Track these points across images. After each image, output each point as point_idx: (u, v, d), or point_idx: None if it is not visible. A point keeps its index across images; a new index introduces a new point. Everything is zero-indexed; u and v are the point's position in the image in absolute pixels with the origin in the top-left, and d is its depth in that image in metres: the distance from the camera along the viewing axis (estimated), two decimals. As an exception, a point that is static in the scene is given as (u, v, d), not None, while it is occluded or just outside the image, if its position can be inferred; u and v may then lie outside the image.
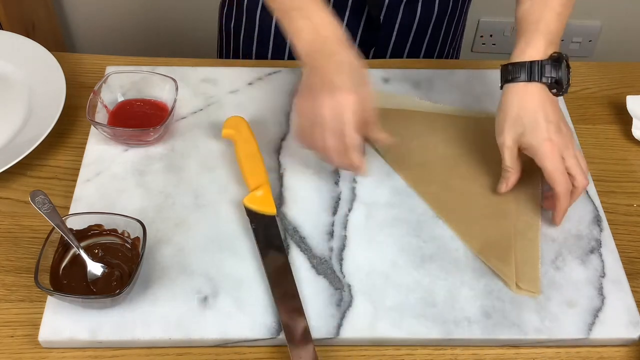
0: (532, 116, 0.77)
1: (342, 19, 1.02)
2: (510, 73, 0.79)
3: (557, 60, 0.78)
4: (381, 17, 1.02)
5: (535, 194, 0.83)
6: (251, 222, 0.79)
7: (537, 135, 0.76)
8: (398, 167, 0.86)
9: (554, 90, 0.79)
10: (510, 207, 0.82)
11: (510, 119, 0.78)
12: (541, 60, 0.78)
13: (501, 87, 0.81)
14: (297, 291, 0.74)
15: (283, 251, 0.77)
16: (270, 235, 0.78)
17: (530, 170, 0.82)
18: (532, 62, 0.78)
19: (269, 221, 0.79)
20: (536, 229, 0.80)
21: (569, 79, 0.79)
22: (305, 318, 0.72)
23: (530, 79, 0.78)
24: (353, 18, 1.02)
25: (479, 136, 0.88)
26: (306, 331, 0.71)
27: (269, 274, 0.75)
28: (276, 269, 0.75)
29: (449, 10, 1.06)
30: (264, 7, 1.03)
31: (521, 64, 0.78)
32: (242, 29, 1.08)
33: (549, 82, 0.78)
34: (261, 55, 1.09)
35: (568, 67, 0.79)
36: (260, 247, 0.77)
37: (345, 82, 0.74)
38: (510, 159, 0.79)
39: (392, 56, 1.07)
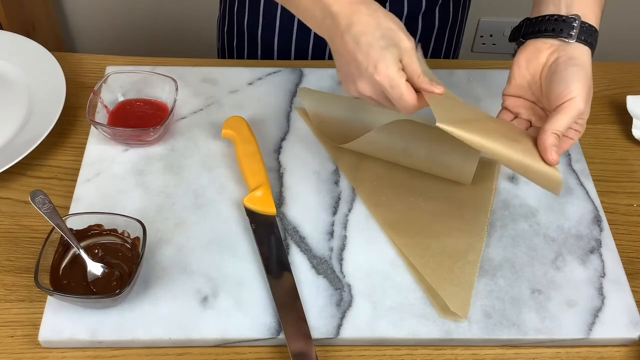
0: (589, 78, 0.72)
1: None
2: (592, 37, 0.72)
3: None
4: None
5: (483, 217, 0.81)
6: (251, 222, 0.79)
7: (585, 94, 0.71)
8: (352, 179, 0.85)
9: None
10: (456, 226, 0.80)
11: (590, 92, 0.72)
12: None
13: (569, 39, 0.72)
14: (297, 291, 0.74)
15: (283, 251, 0.77)
16: (270, 235, 0.78)
17: (482, 191, 0.82)
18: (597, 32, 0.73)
19: (269, 221, 0.79)
20: (478, 252, 0.78)
21: None
22: (305, 318, 0.72)
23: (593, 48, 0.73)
24: None
25: (441, 151, 0.83)
26: (306, 331, 0.71)
27: (269, 274, 0.75)
28: (276, 269, 0.75)
29: (450, 22, 1.07)
30: (265, 7, 1.04)
31: (596, 34, 0.73)
32: (244, 30, 1.09)
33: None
34: (264, 55, 1.09)
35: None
36: (260, 247, 0.77)
37: (377, 57, 0.68)
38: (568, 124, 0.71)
39: None
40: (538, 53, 0.73)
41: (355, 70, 0.69)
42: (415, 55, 0.69)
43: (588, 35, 0.72)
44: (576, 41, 0.72)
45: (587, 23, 0.72)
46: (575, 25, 0.71)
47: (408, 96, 0.68)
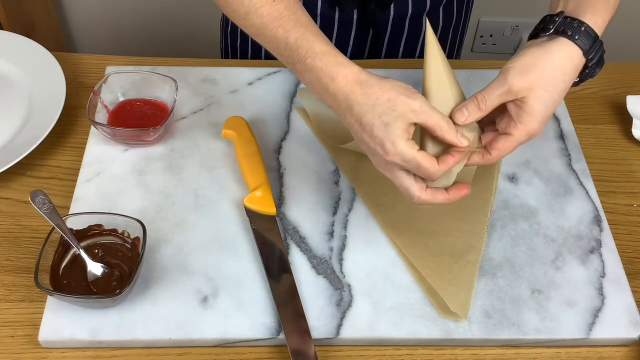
0: (560, 87, 0.68)
1: (349, 35, 1.02)
2: (576, 32, 0.69)
3: (602, 56, 0.71)
4: (386, 37, 1.03)
5: (483, 217, 0.81)
6: (251, 222, 0.79)
7: (547, 109, 0.68)
8: (352, 179, 0.85)
9: (577, 80, 0.72)
10: (456, 226, 0.80)
11: (540, 72, 0.68)
12: (602, 44, 0.70)
13: (547, 32, 0.70)
14: (297, 291, 0.74)
15: (283, 251, 0.77)
16: (270, 235, 0.78)
17: (482, 191, 0.82)
18: (599, 40, 0.69)
19: (269, 221, 0.79)
20: (478, 252, 0.78)
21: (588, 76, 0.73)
22: (305, 318, 0.72)
23: (589, 53, 0.69)
24: (359, 34, 1.02)
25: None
26: (306, 331, 0.71)
27: (269, 274, 0.75)
28: (276, 269, 0.75)
29: (453, 22, 1.07)
30: None
31: (591, 33, 0.69)
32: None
33: (590, 70, 0.71)
34: (268, 55, 1.09)
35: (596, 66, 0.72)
36: (260, 247, 0.77)
37: (384, 142, 0.66)
38: (494, 98, 0.68)
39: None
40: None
41: (367, 149, 0.68)
42: (430, 107, 0.66)
43: (568, 27, 0.69)
44: (554, 34, 0.69)
45: (570, 17, 0.69)
46: (556, 20, 0.70)
47: (427, 165, 0.65)
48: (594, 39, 0.69)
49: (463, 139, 0.67)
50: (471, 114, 0.68)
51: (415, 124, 0.66)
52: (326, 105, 0.70)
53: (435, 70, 0.71)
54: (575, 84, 0.72)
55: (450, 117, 0.68)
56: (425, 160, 0.65)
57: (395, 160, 0.66)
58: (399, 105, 0.65)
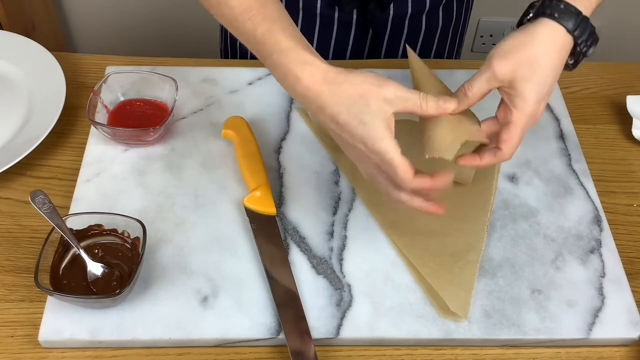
0: (546, 66, 0.67)
1: (349, 35, 1.02)
2: (555, 10, 0.68)
3: (593, 33, 0.69)
4: (385, 36, 1.03)
5: (483, 217, 0.81)
6: (251, 222, 0.79)
7: (537, 89, 0.67)
8: (352, 179, 0.85)
9: (571, 62, 0.71)
10: (456, 226, 0.80)
11: (522, 53, 0.67)
12: (589, 20, 0.68)
13: (528, 16, 0.70)
14: (297, 291, 0.74)
15: (283, 251, 0.77)
16: (270, 235, 0.78)
17: (482, 191, 0.82)
18: (583, 17, 0.68)
19: (269, 221, 0.79)
20: (478, 252, 0.78)
21: (580, 59, 0.71)
22: (305, 318, 0.72)
23: (573, 30, 0.68)
24: (359, 34, 1.02)
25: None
26: (306, 331, 0.71)
27: (269, 274, 0.75)
28: (276, 269, 0.75)
29: (453, 22, 1.07)
30: None
31: (572, 10, 0.68)
32: None
33: (581, 49, 0.69)
34: None
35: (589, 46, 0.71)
36: (260, 247, 0.77)
37: (361, 130, 0.64)
38: (480, 84, 0.68)
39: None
40: None
41: (346, 145, 0.67)
42: (404, 91, 0.65)
43: (547, 7, 0.68)
44: (535, 17, 0.69)
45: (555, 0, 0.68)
46: (537, 4, 0.69)
47: (402, 173, 0.64)
48: (576, 15, 0.68)
49: (447, 103, 0.66)
50: (461, 101, 0.68)
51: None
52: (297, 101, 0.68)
53: (421, 74, 0.71)
54: (572, 67, 0.71)
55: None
56: (402, 167, 0.64)
57: (375, 160, 0.65)
58: (372, 101, 0.64)
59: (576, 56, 0.71)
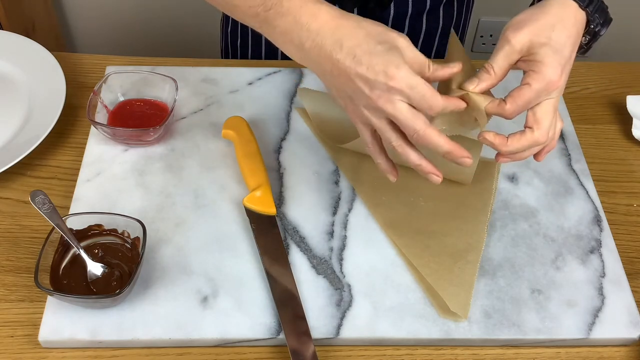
0: (562, 32, 0.66)
1: None
2: None
3: (606, 12, 0.70)
4: None
5: (483, 217, 0.81)
6: (251, 222, 0.79)
7: (554, 53, 0.66)
8: (352, 179, 0.85)
9: (585, 41, 0.71)
10: (456, 226, 0.80)
11: (536, 22, 0.66)
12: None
13: None
14: (297, 291, 0.74)
15: (283, 251, 0.77)
16: (270, 235, 0.78)
17: (482, 191, 0.82)
18: None
19: (269, 221, 0.79)
20: (478, 252, 0.78)
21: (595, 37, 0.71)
22: (305, 318, 0.72)
23: (586, 5, 0.68)
24: None
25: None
26: (306, 331, 0.71)
27: (269, 274, 0.75)
28: (276, 269, 0.75)
29: (453, 22, 1.07)
30: None
31: None
32: (248, 30, 1.08)
33: (594, 26, 0.70)
34: (268, 55, 1.09)
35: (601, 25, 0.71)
36: (260, 247, 0.77)
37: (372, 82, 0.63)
38: (500, 60, 0.68)
39: None
40: None
41: (358, 90, 0.64)
42: (413, 47, 0.64)
43: None
44: None
45: None
46: None
47: (431, 93, 0.62)
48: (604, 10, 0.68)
49: (453, 67, 0.65)
50: (482, 80, 0.67)
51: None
52: (299, 60, 0.67)
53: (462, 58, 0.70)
54: (585, 48, 0.71)
55: (463, 87, 0.67)
56: (430, 89, 0.62)
57: (400, 86, 0.62)
58: (392, 38, 0.63)
59: (589, 34, 0.71)
